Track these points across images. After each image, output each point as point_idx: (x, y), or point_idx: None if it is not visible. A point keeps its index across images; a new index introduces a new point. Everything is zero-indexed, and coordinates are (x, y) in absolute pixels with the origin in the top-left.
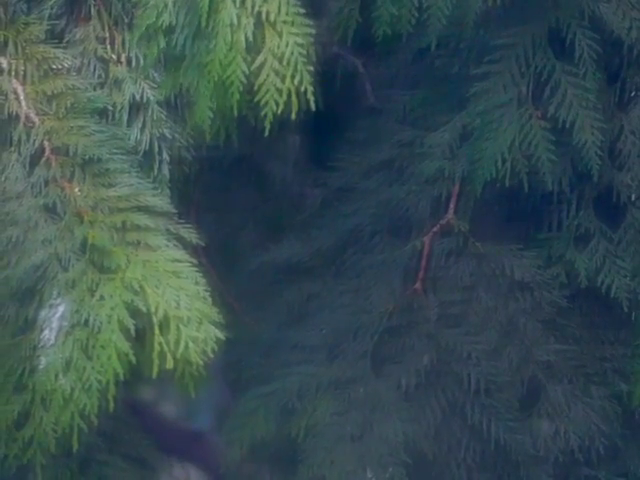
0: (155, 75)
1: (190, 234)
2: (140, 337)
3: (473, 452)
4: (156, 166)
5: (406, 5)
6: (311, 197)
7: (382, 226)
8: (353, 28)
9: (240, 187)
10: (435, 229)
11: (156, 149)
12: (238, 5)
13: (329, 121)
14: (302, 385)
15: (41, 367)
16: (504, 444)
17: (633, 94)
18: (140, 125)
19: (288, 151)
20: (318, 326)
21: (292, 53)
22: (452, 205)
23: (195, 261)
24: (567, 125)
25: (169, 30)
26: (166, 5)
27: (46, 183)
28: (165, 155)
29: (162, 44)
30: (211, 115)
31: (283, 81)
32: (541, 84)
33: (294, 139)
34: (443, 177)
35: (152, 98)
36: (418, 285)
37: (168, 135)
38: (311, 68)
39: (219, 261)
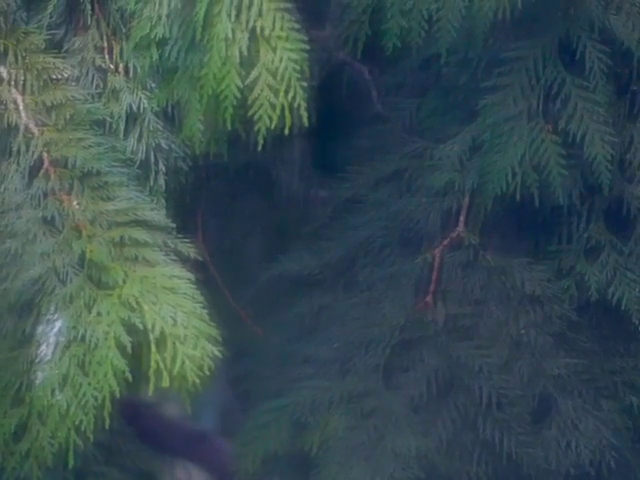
0: (152, 85)
1: (188, 249)
2: (136, 354)
3: (485, 465)
4: (152, 177)
5: (416, 17)
6: (319, 206)
7: (392, 238)
8: (363, 40)
9: (246, 195)
10: (445, 242)
11: (152, 159)
12: (233, 19)
13: (335, 128)
14: (314, 399)
15: (38, 382)
16: (516, 457)
17: None
18: (137, 135)
19: (294, 158)
20: (329, 339)
21: (286, 68)
22: (462, 218)
23: (193, 276)
24: (577, 138)
25: (162, 42)
26: (160, 17)
27: (45, 195)
28: (161, 165)
29: (155, 56)
30: (201, 128)
31: (277, 96)
32: (551, 97)
33: (300, 146)
34: (453, 190)
35: (148, 108)
36: (429, 298)
37: (164, 145)
38: (305, 84)
39: (226, 270)
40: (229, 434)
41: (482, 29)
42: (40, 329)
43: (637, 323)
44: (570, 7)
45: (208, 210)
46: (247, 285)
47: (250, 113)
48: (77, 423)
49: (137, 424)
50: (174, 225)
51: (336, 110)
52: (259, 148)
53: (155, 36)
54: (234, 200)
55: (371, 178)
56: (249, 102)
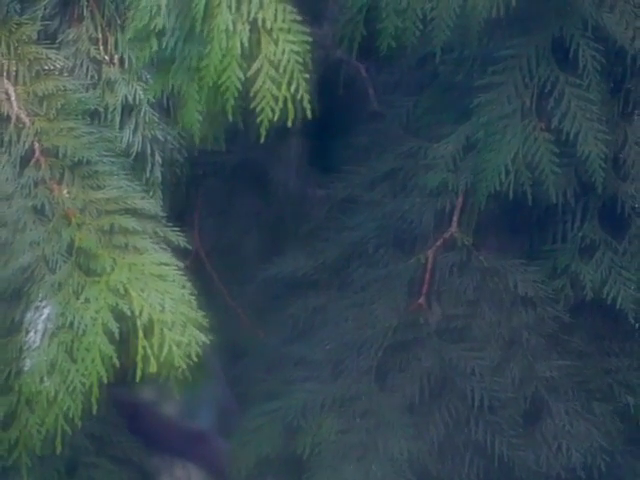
0: (147, 77)
1: (178, 237)
2: (124, 340)
3: (476, 468)
4: (148, 168)
5: (410, 17)
6: (315, 205)
7: (386, 239)
8: (358, 40)
9: (243, 193)
10: (439, 242)
11: (148, 151)
12: (234, 11)
13: (332, 126)
14: (307, 402)
15: (26, 369)
16: (507, 460)
17: (637, 104)
18: (132, 127)
19: (291, 156)
20: (322, 341)
21: (288, 61)
22: (456, 218)
23: (181, 264)
24: (571, 136)
25: (161, 33)
26: (159, 8)
27: (35, 184)
28: (157, 157)
29: (155, 47)
30: (200, 118)
31: (279, 88)
32: (545, 95)
33: (297, 143)
34: (447, 189)
35: (144, 100)
36: (422, 300)
37: (160, 137)
38: (307, 76)
39: (223, 268)
40: (228, 434)
41: (476, 28)
42: (28, 316)
43: (632, 322)
44: (563, 5)
45: (205, 209)
46: (243, 285)
47: (252, 105)
48: (65, 409)
49: (136, 424)
50: (164, 214)
51: (333, 108)
52: (261, 141)
53: (155, 27)
54: (231, 199)
55: (366, 178)
56: (251, 94)
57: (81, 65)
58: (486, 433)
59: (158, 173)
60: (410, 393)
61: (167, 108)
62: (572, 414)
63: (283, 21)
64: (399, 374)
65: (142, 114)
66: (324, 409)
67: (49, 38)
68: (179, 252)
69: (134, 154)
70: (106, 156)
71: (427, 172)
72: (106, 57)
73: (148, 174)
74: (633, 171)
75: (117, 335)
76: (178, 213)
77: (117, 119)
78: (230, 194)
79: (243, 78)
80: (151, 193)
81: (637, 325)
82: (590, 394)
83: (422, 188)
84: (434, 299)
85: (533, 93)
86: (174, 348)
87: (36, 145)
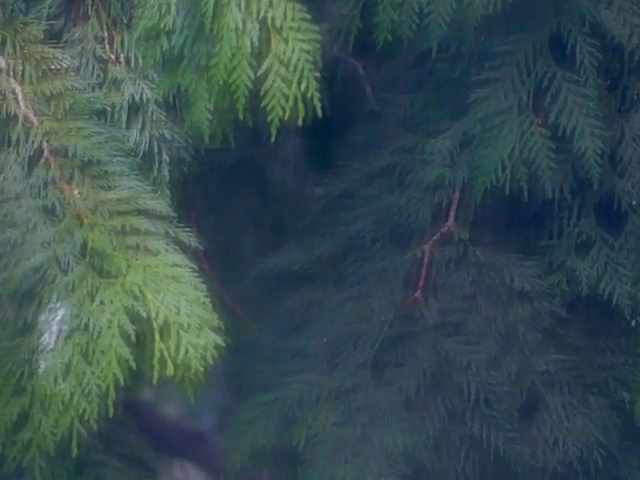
0: (154, 75)
1: (189, 238)
2: (140, 342)
3: (472, 462)
4: (156, 167)
5: (407, 11)
6: (312, 201)
7: (383, 233)
8: (354, 34)
9: (241, 190)
10: (435, 237)
11: (156, 150)
12: (243, 10)
13: (329, 124)
14: (303, 394)
15: (40, 371)
16: (503, 454)
17: (634, 100)
18: (139, 126)
19: (289, 154)
20: (319, 334)
21: (299, 59)
22: (452, 213)
23: (195, 265)
24: (567, 132)
25: (170, 32)
26: (169, 7)
27: (45, 185)
28: (165, 156)
29: (165, 46)
30: (209, 117)
31: (289, 87)
32: (542, 91)
33: (295, 142)
34: (443, 184)
35: (151, 99)
36: (418, 294)
37: (168, 136)
38: (317, 74)
39: (220, 265)
40: None
41: (473, 23)
42: (42, 318)
43: (628, 318)
44: (561, 1)
45: (202, 206)
46: (239, 280)
47: (263, 104)
48: (81, 412)
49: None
50: (175, 214)
51: (330, 106)
52: (272, 139)
53: (165, 26)
54: (228, 196)
55: (363, 173)
56: (261, 93)
57: (87, 64)
58: (482, 427)
59: (166, 172)
60: (406, 387)
61: (174, 106)
62: (568, 408)
63: (293, 20)
64: (395, 368)
65: (149, 113)
66: (320, 401)
67: (54, 37)
68: (183, 244)
69: (141, 153)
70: (116, 156)
71: (424, 167)
72: (112, 56)
73: (156, 173)
74: (630, 167)
75: (133, 337)
76: (178, 210)
77: (124, 118)
78: (228, 191)
79: (253, 77)
80: (159, 192)
81: (633, 321)
82: (586, 388)
83: (419, 183)
84: (430, 293)
85: (530, 89)
86: (191, 350)
87: (45, 145)
